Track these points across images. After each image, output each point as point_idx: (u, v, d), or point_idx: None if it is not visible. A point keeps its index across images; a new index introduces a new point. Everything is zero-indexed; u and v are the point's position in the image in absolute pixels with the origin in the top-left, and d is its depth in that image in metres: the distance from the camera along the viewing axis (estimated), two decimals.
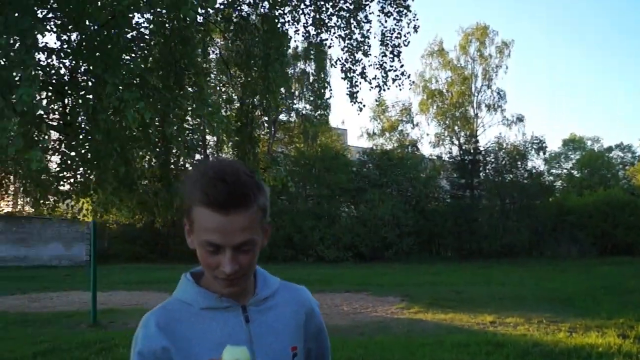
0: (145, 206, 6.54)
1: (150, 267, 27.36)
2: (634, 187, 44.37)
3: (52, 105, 4.44)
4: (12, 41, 2.81)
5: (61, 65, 4.91)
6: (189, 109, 4.77)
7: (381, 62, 8.28)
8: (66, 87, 4.63)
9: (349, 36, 7.60)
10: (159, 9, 3.96)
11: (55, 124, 4.61)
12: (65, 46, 4.17)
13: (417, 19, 8.44)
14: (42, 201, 4.78)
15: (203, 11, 4.51)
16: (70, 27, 3.94)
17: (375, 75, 8.30)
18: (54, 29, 3.58)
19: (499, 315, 11.72)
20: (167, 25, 4.63)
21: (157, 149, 5.27)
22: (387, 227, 32.69)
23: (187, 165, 6.19)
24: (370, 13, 7.82)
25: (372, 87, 8.31)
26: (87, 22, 3.67)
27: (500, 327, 10.44)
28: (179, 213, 6.40)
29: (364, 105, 8.53)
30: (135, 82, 3.79)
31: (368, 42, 7.94)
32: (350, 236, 32.55)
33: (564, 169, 56.44)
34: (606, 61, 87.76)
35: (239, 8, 6.36)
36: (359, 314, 12.57)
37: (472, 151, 38.42)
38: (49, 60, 4.14)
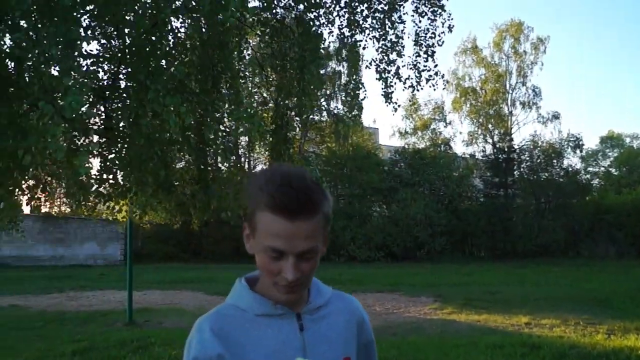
0: (182, 208, 6.65)
1: (183, 266, 27.69)
2: None
3: (94, 110, 4.55)
4: (61, 51, 2.92)
5: (100, 70, 5.03)
6: (226, 112, 4.84)
7: (415, 63, 8.27)
8: (107, 92, 4.76)
9: (383, 37, 7.60)
10: (197, 15, 4.04)
11: (96, 127, 4.73)
12: (107, 52, 4.30)
13: (452, 19, 8.41)
14: (83, 203, 4.92)
15: (238, 14, 4.56)
16: (113, 34, 4.05)
17: (409, 76, 8.29)
18: (99, 38, 3.68)
19: (534, 316, 11.59)
20: (203, 30, 4.72)
21: (196, 152, 5.36)
22: (419, 226, 32.52)
23: (223, 167, 6.29)
24: (404, 13, 7.81)
25: (405, 88, 8.32)
26: (130, 30, 3.76)
27: (535, 329, 10.33)
28: (216, 214, 6.50)
29: (399, 106, 8.53)
30: (174, 86, 3.87)
31: (402, 43, 7.94)
32: (381, 236, 32.46)
33: (601, 167, 55.32)
34: None
35: (274, 11, 6.42)
36: (392, 314, 12.56)
37: (506, 149, 37.96)
38: (92, 67, 4.25)
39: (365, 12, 7.45)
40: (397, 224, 32.74)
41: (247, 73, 8.13)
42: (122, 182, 5.21)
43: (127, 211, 6.45)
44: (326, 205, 1.34)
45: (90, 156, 5.02)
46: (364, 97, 8.34)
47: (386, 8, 7.39)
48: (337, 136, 34.26)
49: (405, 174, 35.32)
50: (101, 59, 4.39)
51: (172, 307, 13.52)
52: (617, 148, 56.93)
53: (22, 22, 3.21)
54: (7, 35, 3.15)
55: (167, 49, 4.12)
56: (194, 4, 3.66)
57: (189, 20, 4.50)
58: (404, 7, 7.79)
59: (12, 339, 9.48)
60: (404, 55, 8.08)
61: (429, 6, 8.14)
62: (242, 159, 34.80)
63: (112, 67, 5.01)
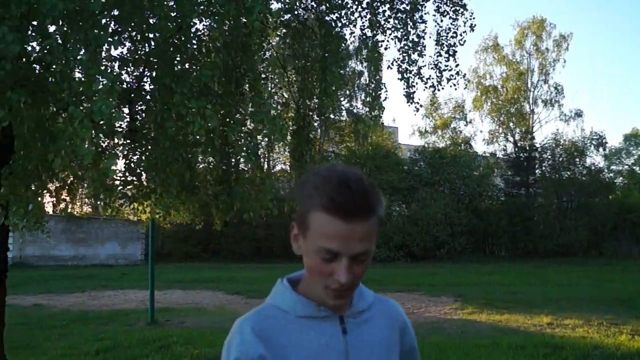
0: (206, 209, 6.73)
1: (203, 266, 27.87)
2: None
3: (122, 113, 4.63)
4: (90, 56, 2.98)
5: (125, 73, 5.11)
6: (249, 113, 4.89)
7: (436, 62, 8.25)
8: (132, 95, 4.83)
9: (405, 37, 7.61)
10: (222, 18, 4.08)
11: (121, 130, 4.80)
12: (131, 55, 4.37)
13: (474, 18, 8.38)
14: (109, 204, 5.00)
15: (262, 17, 4.60)
16: (138, 39, 4.11)
17: (430, 75, 8.28)
18: (124, 43, 3.75)
19: (557, 316, 11.51)
20: (227, 33, 4.76)
21: (220, 154, 5.42)
22: (439, 226, 32.40)
23: (246, 168, 6.34)
24: (425, 13, 7.80)
25: (426, 87, 8.31)
26: (155, 34, 3.82)
27: (558, 329, 10.26)
28: (238, 215, 6.57)
29: (420, 106, 8.53)
30: (199, 89, 3.93)
31: (423, 42, 7.93)
32: (401, 235, 32.37)
33: (625, 165, 54.58)
34: None
35: (295, 12, 6.46)
36: (412, 314, 12.53)
37: (527, 148, 37.68)
38: (118, 71, 4.32)
39: (388, 13, 7.45)
40: (416, 223, 32.64)
41: (269, 74, 8.19)
42: (146, 184, 5.29)
43: (151, 212, 6.54)
44: (381, 208, 1.32)
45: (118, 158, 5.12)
46: (386, 98, 8.34)
47: (408, 8, 7.39)
48: (357, 136, 34.22)
49: (425, 173, 35.19)
50: (127, 63, 4.46)
51: (193, 307, 13.64)
52: None
53: (51, 28, 3.29)
54: (37, 41, 3.23)
55: (192, 52, 4.17)
56: (219, 7, 3.71)
57: (213, 24, 4.55)
58: (425, 7, 7.77)
59: (37, 338, 9.62)
60: (425, 55, 8.07)
61: (451, 5, 8.12)
62: (262, 160, 34.92)
63: (138, 70, 5.09)
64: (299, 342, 1.36)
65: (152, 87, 4.76)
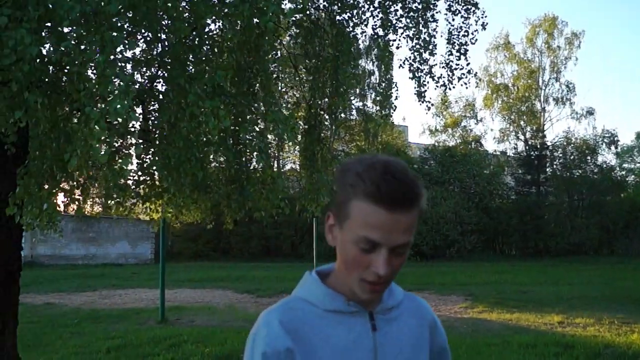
0: (216, 208, 6.76)
1: (213, 265, 27.96)
2: None
3: (136, 114, 4.66)
4: (106, 58, 3.02)
5: (138, 74, 5.15)
6: (261, 113, 4.91)
7: (447, 61, 8.25)
8: (145, 95, 4.87)
9: (416, 36, 7.61)
10: (234, 18, 4.11)
11: (133, 130, 4.84)
12: (146, 56, 4.42)
13: (485, 16, 8.37)
14: (123, 204, 5.04)
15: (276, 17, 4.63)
16: (152, 39, 4.15)
17: (441, 74, 8.28)
18: (139, 44, 3.79)
19: (568, 315, 11.48)
20: (240, 33, 4.79)
21: (233, 154, 5.45)
22: (449, 225, 32.35)
23: (258, 167, 6.37)
24: (437, 12, 7.79)
25: (437, 86, 8.31)
26: (169, 35, 3.85)
27: (569, 328, 10.23)
28: (248, 214, 6.59)
29: (432, 105, 8.53)
30: (213, 89, 3.95)
31: (434, 41, 7.93)
32: None
33: (637, 164, 54.22)
34: None
35: (307, 12, 6.47)
36: None
37: (538, 146, 37.58)
38: (132, 72, 4.36)
39: (400, 12, 7.46)
40: (426, 222, 32.58)
41: (279, 73, 8.21)
42: (158, 183, 5.33)
43: (162, 211, 6.59)
44: (423, 200, 1.27)
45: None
46: (397, 97, 8.34)
47: (420, 7, 7.39)
48: (367, 134, 34.24)
49: (435, 171, 35.14)
50: (140, 64, 4.50)
51: (203, 306, 13.69)
52: None
53: (66, 30, 3.33)
54: (54, 43, 3.28)
55: (206, 53, 4.21)
56: (233, 8, 3.73)
57: (227, 25, 4.58)
58: (437, 6, 7.77)
59: (48, 336, 9.68)
60: (436, 53, 8.06)
61: (462, 4, 8.11)
62: (272, 159, 35.01)
63: (150, 71, 5.14)
64: (326, 337, 1.31)
65: (165, 87, 4.80)
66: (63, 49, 3.20)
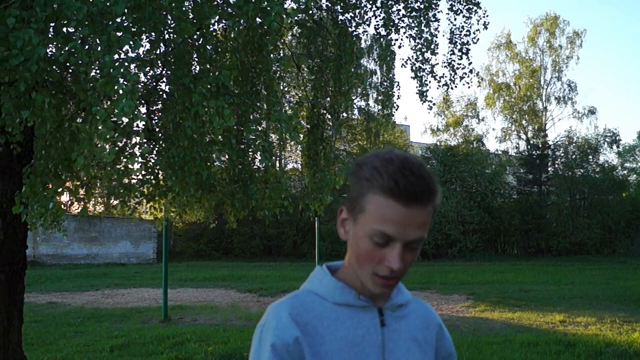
0: (220, 207, 6.80)
1: (215, 264, 28.00)
2: None
3: (142, 114, 4.70)
4: (113, 58, 3.06)
5: (142, 73, 5.18)
6: (265, 113, 4.95)
7: (449, 60, 8.28)
8: (149, 95, 4.91)
9: (418, 35, 7.64)
10: (239, 19, 4.15)
11: (137, 129, 4.88)
12: (150, 56, 4.45)
13: (487, 16, 8.40)
14: (127, 203, 5.09)
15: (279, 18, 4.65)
16: (157, 40, 4.19)
17: (443, 74, 8.31)
18: (142, 45, 3.82)
19: (569, 314, 11.51)
20: (243, 33, 4.83)
21: (237, 153, 5.49)
22: (451, 224, 32.39)
23: (262, 166, 6.41)
24: (439, 12, 7.82)
25: (439, 86, 8.34)
26: (175, 36, 3.89)
27: (570, 327, 10.26)
28: (252, 213, 6.62)
29: (433, 104, 8.56)
30: (217, 89, 3.98)
31: (436, 41, 7.95)
32: None
33: (639, 163, 54.22)
34: None
35: (310, 12, 6.50)
36: None
37: (540, 145, 37.58)
38: (136, 71, 4.39)
39: (402, 12, 7.49)
40: None
41: (283, 73, 8.25)
42: (162, 183, 5.38)
43: (165, 211, 6.64)
44: (439, 197, 1.27)
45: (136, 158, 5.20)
46: (399, 97, 8.37)
47: (422, 7, 7.42)
48: (369, 134, 34.26)
49: (437, 171, 35.12)
50: (145, 64, 4.53)
51: (205, 305, 13.74)
52: None
53: (72, 30, 3.37)
54: (61, 43, 3.32)
55: (210, 53, 4.24)
56: (237, 9, 3.77)
57: (231, 24, 4.61)
58: (439, 5, 7.80)
59: (52, 335, 9.73)
60: (437, 53, 8.09)
61: (464, 4, 8.14)
62: (274, 158, 35.06)
63: (153, 70, 5.18)
64: (335, 330, 1.32)
65: (169, 87, 4.84)
66: (72, 49, 3.23)
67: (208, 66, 4.13)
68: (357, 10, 7.07)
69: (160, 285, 16.23)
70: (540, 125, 40.08)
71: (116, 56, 3.24)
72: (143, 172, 5.36)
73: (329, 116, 8.32)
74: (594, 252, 34.15)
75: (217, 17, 4.16)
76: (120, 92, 3.10)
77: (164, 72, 4.84)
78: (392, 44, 7.70)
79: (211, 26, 4.36)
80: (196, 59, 4.32)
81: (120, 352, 8.35)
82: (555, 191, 37.41)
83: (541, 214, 35.00)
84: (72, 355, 8.13)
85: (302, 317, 1.31)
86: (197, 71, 4.28)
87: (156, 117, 5.34)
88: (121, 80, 3.11)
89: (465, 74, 8.46)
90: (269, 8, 3.64)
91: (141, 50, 4.35)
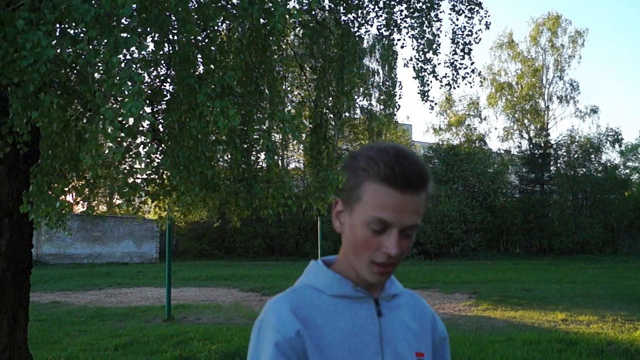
0: (225, 206, 6.85)
1: (217, 263, 28.06)
2: None
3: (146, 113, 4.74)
4: (120, 59, 3.11)
5: (146, 73, 5.23)
6: (269, 112, 4.98)
7: (452, 60, 8.31)
8: (154, 95, 4.96)
9: (421, 35, 7.67)
10: (243, 20, 4.19)
11: (142, 129, 4.92)
12: (155, 57, 4.50)
13: (489, 16, 8.43)
14: (132, 202, 5.13)
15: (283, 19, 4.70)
16: (162, 41, 4.24)
17: (446, 74, 8.34)
18: (147, 46, 3.86)
19: (571, 313, 11.54)
20: (247, 34, 4.87)
21: (241, 152, 5.54)
22: (453, 223, 32.41)
23: (265, 166, 6.45)
24: (441, 12, 7.85)
25: (442, 85, 8.37)
26: (180, 37, 3.93)
27: (572, 325, 10.30)
28: (255, 213, 6.66)
29: (435, 104, 8.59)
30: (222, 90, 4.02)
31: (438, 41, 7.98)
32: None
33: None
34: None
35: (313, 12, 6.53)
36: None
37: (542, 145, 37.58)
38: (142, 72, 4.43)
39: (405, 13, 7.53)
40: (430, 221, 32.66)
41: (286, 73, 8.29)
42: (167, 182, 5.42)
43: (169, 210, 6.68)
44: (431, 185, 1.32)
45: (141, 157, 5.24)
46: (400, 96, 8.41)
47: (424, 7, 7.45)
48: (371, 133, 34.27)
49: (439, 170, 35.18)
50: (150, 64, 4.58)
51: (208, 304, 13.79)
52: None
53: (79, 32, 3.42)
54: (69, 45, 3.37)
55: (215, 54, 4.28)
56: (241, 10, 3.81)
57: (236, 26, 4.66)
58: (440, 6, 7.82)
59: (56, 334, 9.78)
60: (439, 53, 8.11)
61: (466, 4, 8.17)
62: (276, 157, 35.04)
63: (156, 70, 5.23)
64: (334, 322, 1.34)
65: (174, 87, 4.88)
66: (79, 51, 3.29)
67: (212, 67, 4.18)
68: (360, 11, 7.11)
69: (162, 284, 16.30)
70: (542, 125, 40.07)
71: (121, 57, 3.30)
72: (148, 172, 5.41)
73: (332, 116, 8.37)
74: (596, 251, 34.16)
75: (223, 18, 4.20)
76: (127, 92, 3.15)
77: (169, 72, 4.89)
78: (395, 44, 7.75)
79: (217, 27, 4.42)
80: (201, 60, 4.38)
81: (124, 351, 8.40)
82: (557, 190, 37.41)
83: (543, 213, 35.00)
84: (76, 353, 8.18)
85: (301, 310, 1.32)
86: (201, 72, 4.33)
87: (161, 117, 5.39)
88: (128, 82, 3.16)
89: (468, 73, 8.48)
90: (273, 9, 3.69)
91: (146, 51, 4.39)
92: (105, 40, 3.20)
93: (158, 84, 5.31)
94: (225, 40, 5.25)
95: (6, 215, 5.36)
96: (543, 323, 10.65)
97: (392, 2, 7.16)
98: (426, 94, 8.10)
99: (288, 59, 7.81)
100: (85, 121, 4.96)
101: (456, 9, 8.23)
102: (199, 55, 4.33)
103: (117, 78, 3.16)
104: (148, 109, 5.19)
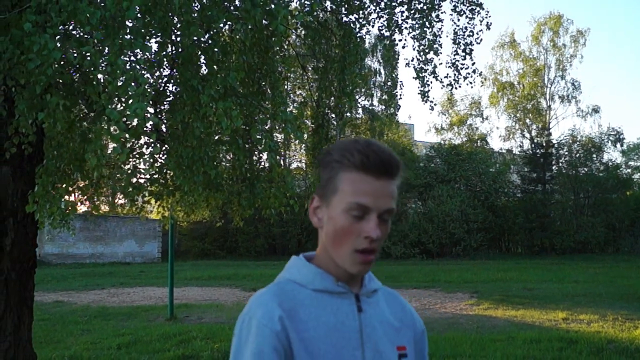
0: (228, 206, 6.90)
1: (219, 263, 28.08)
2: None
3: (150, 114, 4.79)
4: (125, 61, 3.16)
5: (149, 74, 5.27)
6: (271, 113, 5.02)
7: (453, 61, 8.34)
8: (158, 96, 5.01)
9: (421, 36, 7.71)
10: (246, 22, 4.23)
11: (145, 129, 4.96)
12: (158, 58, 4.54)
13: (490, 16, 8.46)
14: (135, 202, 5.18)
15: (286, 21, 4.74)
16: (165, 42, 4.29)
17: (447, 74, 8.38)
18: (150, 48, 3.90)
19: (572, 312, 11.58)
20: (249, 35, 4.91)
21: (244, 152, 5.58)
22: (455, 223, 32.40)
23: (268, 165, 6.50)
24: (442, 12, 7.88)
25: (443, 86, 8.41)
26: (183, 39, 3.98)
27: (573, 324, 10.33)
28: (257, 212, 6.71)
29: (435, 104, 8.64)
30: (225, 91, 4.07)
31: (439, 41, 8.02)
32: (417, 232, 32.42)
33: None
34: None
35: (315, 13, 6.58)
36: (428, 310, 12.64)
37: (544, 144, 37.55)
38: (146, 73, 4.48)
39: (406, 14, 7.57)
40: (432, 220, 32.66)
41: (288, 73, 8.33)
42: (170, 182, 5.47)
43: (171, 210, 6.73)
44: (402, 171, 1.39)
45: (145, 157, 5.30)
46: (401, 97, 8.45)
47: (425, 8, 7.49)
48: (373, 133, 34.29)
49: (441, 170, 35.18)
50: (153, 66, 4.62)
51: (211, 303, 13.84)
52: None
53: (85, 34, 3.47)
54: (75, 47, 3.42)
55: (218, 55, 4.33)
56: (244, 13, 3.85)
57: (239, 27, 4.70)
58: (442, 6, 7.86)
59: (59, 333, 9.83)
60: (441, 53, 8.15)
61: (467, 4, 8.20)
62: (279, 157, 35.06)
63: (160, 72, 5.27)
64: (317, 316, 1.36)
65: (177, 88, 4.93)
66: (85, 53, 3.34)
67: (215, 68, 4.23)
68: (361, 12, 7.15)
69: (165, 284, 16.34)
70: (544, 124, 40.08)
71: (126, 58, 3.35)
72: (152, 172, 5.45)
73: (334, 116, 8.42)
74: (597, 250, 34.15)
75: (226, 20, 4.25)
76: (131, 93, 3.20)
77: (172, 73, 4.94)
78: (396, 44, 7.79)
79: (220, 30, 4.46)
80: (204, 61, 4.43)
81: (128, 350, 8.45)
82: (559, 190, 37.39)
83: (545, 212, 34.98)
84: (80, 352, 8.22)
85: (285, 304, 1.34)
86: (205, 73, 4.38)
87: (164, 118, 5.44)
88: (133, 84, 3.21)
89: (469, 74, 8.52)
90: (276, 12, 3.74)
91: (149, 52, 4.43)
92: (111, 43, 3.24)
93: (161, 84, 5.36)
94: (228, 41, 5.30)
95: (11, 215, 5.41)
96: (544, 322, 10.69)
97: (394, 3, 7.20)
98: (426, 94, 8.15)
99: (290, 59, 7.86)
100: (89, 121, 5.01)
101: (457, 9, 8.27)
102: (202, 57, 4.39)
103: (122, 79, 3.22)
104: (151, 110, 5.26)
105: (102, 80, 3.78)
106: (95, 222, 29.69)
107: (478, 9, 8.28)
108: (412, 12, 7.50)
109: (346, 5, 6.84)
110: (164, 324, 10.93)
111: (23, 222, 5.53)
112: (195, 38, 3.94)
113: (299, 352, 1.30)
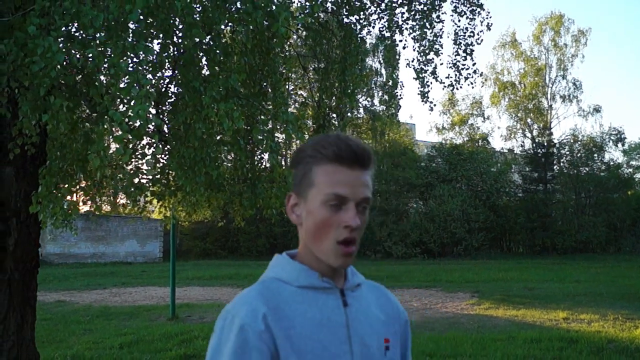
0: (229, 206, 6.94)
1: (221, 263, 28.13)
2: None
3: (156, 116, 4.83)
4: (128, 63, 3.20)
5: (149, 74, 5.31)
6: (272, 114, 5.05)
7: (454, 61, 8.37)
8: (160, 97, 5.04)
9: (422, 37, 7.74)
10: (247, 23, 4.27)
11: (147, 130, 5.00)
12: (160, 59, 4.58)
13: (490, 17, 8.50)
14: (137, 202, 5.22)
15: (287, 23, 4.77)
16: (167, 44, 4.32)
17: (448, 75, 8.42)
18: (152, 50, 3.93)
19: (573, 311, 11.60)
20: (251, 37, 4.95)
21: (245, 153, 5.62)
22: (456, 222, 32.40)
23: (269, 166, 6.54)
24: (443, 13, 7.91)
25: (444, 87, 8.44)
26: (185, 40, 4.02)
27: (573, 324, 10.36)
28: (259, 212, 6.74)
29: (434, 105, 8.68)
30: (227, 92, 4.11)
31: (440, 42, 8.05)
32: (418, 232, 32.43)
33: None
34: None
35: (316, 15, 6.61)
36: (429, 309, 12.67)
37: (545, 144, 37.54)
38: (148, 75, 4.51)
39: (406, 15, 7.60)
40: (433, 220, 32.67)
41: (290, 75, 8.37)
42: (172, 182, 5.52)
43: (173, 210, 6.77)
44: (375, 162, 1.43)
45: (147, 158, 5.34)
46: (401, 97, 8.47)
47: (425, 9, 7.52)
48: (374, 132, 34.31)
49: (443, 169, 35.19)
50: (155, 67, 4.65)
51: (212, 303, 13.88)
52: None
53: (88, 37, 3.51)
54: (79, 50, 3.46)
55: (220, 57, 4.37)
56: (246, 15, 3.89)
57: (240, 29, 4.73)
58: (442, 7, 7.89)
59: (61, 333, 9.88)
60: (442, 54, 8.18)
61: (468, 5, 8.23)
62: (281, 158, 35.09)
63: (162, 73, 5.31)
64: (303, 312, 1.36)
65: (179, 89, 4.97)
66: (88, 55, 3.37)
67: (217, 69, 4.26)
68: (362, 13, 7.18)
69: (166, 283, 16.38)
70: (545, 124, 40.07)
71: (128, 60, 3.39)
72: (154, 172, 5.50)
73: (335, 116, 8.45)
74: (599, 250, 34.15)
75: (227, 22, 4.29)
76: (134, 95, 3.24)
77: (174, 74, 4.98)
78: (396, 45, 7.82)
79: (222, 32, 4.50)
80: (206, 63, 4.46)
81: (130, 349, 8.49)
82: (560, 189, 37.40)
83: (546, 212, 34.98)
84: (82, 352, 8.26)
85: (271, 302, 1.35)
86: (206, 74, 4.42)
87: (166, 119, 5.48)
88: (135, 86, 3.25)
89: (470, 74, 8.55)
90: (277, 14, 3.78)
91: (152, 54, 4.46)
92: (113, 45, 3.28)
93: (163, 85, 5.39)
94: (230, 43, 5.34)
95: (14, 216, 5.45)
96: (545, 321, 10.72)
97: (394, 4, 7.23)
98: (426, 95, 8.18)
99: (291, 60, 7.89)
100: (92, 122, 5.05)
101: (458, 10, 8.30)
102: (204, 58, 4.42)
103: (125, 81, 3.25)
104: (153, 111, 5.30)
105: (104, 82, 3.83)
106: (97, 222, 29.70)
107: (478, 9, 8.31)
108: (413, 13, 7.53)
109: (347, 7, 6.88)
110: (166, 323, 10.97)
111: (26, 223, 5.57)
112: (197, 40, 3.98)
113: (285, 350, 1.30)
